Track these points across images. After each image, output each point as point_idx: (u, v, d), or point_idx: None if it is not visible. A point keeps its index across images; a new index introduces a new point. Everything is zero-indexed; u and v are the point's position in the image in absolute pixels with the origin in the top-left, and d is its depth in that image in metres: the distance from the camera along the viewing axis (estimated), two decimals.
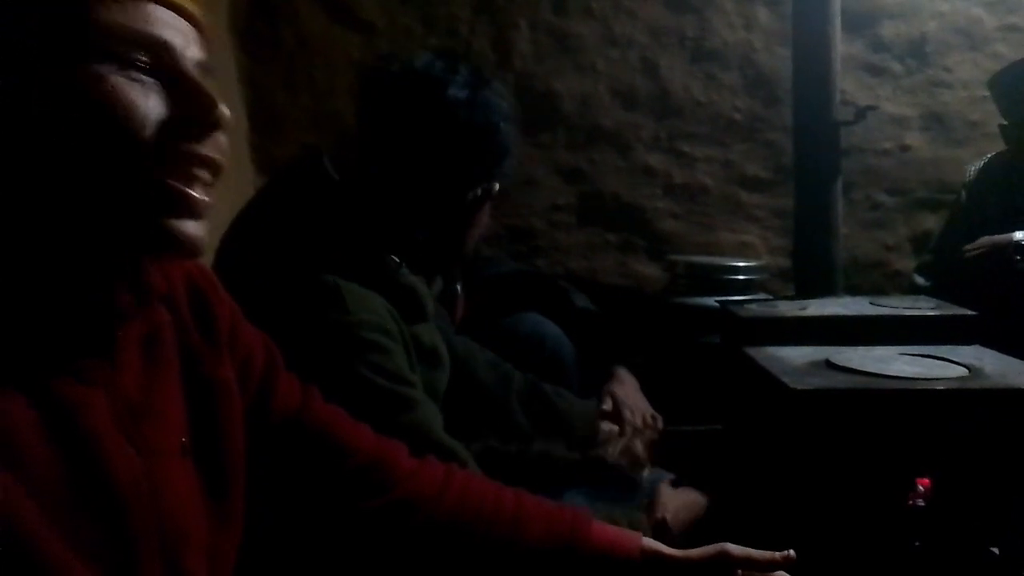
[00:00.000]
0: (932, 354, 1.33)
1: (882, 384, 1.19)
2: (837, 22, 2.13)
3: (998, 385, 1.20)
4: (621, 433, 1.55)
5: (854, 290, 2.46)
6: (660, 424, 1.61)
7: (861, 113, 2.19)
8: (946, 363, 1.28)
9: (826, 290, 2.06)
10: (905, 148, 2.89)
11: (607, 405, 1.61)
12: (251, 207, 1.24)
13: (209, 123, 0.60)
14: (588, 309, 2.35)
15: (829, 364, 1.27)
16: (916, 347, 1.37)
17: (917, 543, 1.26)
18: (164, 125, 0.58)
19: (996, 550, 1.31)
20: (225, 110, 0.60)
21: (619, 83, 2.88)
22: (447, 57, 1.22)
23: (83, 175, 0.56)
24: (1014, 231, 1.99)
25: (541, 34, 2.90)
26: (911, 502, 1.30)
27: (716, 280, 2.45)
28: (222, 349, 0.77)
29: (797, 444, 1.20)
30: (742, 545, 0.94)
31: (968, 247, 2.06)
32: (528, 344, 1.64)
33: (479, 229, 1.30)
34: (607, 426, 1.58)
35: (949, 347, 1.38)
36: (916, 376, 1.21)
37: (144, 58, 0.58)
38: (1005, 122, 2.18)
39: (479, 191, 1.25)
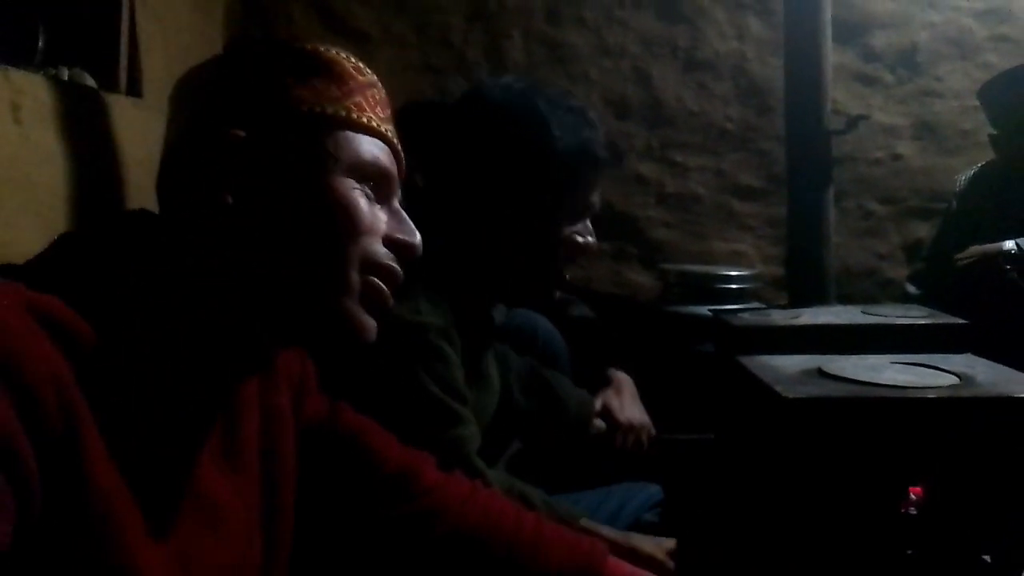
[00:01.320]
0: (924, 363, 1.33)
1: (874, 392, 1.19)
2: (828, 32, 2.15)
3: (989, 394, 1.21)
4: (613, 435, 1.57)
5: (846, 299, 2.47)
6: (652, 432, 1.61)
7: (853, 122, 2.20)
8: (937, 372, 1.28)
9: (819, 299, 2.06)
10: (897, 157, 2.90)
11: (599, 406, 1.62)
12: None
13: (407, 249, 0.72)
14: (585, 317, 2.35)
15: (821, 373, 1.27)
16: (908, 356, 1.38)
17: (909, 551, 1.26)
18: (380, 238, 0.70)
19: (988, 558, 1.31)
20: (419, 242, 0.73)
21: (611, 92, 2.89)
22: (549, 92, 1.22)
23: (313, 257, 0.66)
24: (1004, 240, 2.00)
25: (534, 43, 2.91)
26: (903, 510, 1.31)
27: (709, 289, 2.46)
28: (279, 374, 0.82)
29: (790, 452, 1.20)
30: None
31: (959, 256, 2.07)
32: (520, 337, 1.64)
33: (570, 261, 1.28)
34: (598, 421, 1.59)
35: (941, 356, 1.38)
36: (908, 385, 1.22)
37: (372, 185, 0.71)
38: (995, 132, 2.19)
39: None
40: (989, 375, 1.29)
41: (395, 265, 0.71)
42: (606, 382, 1.69)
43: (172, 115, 0.72)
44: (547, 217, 1.19)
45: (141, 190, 1.77)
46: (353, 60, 0.73)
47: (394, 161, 0.74)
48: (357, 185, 0.69)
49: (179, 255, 0.65)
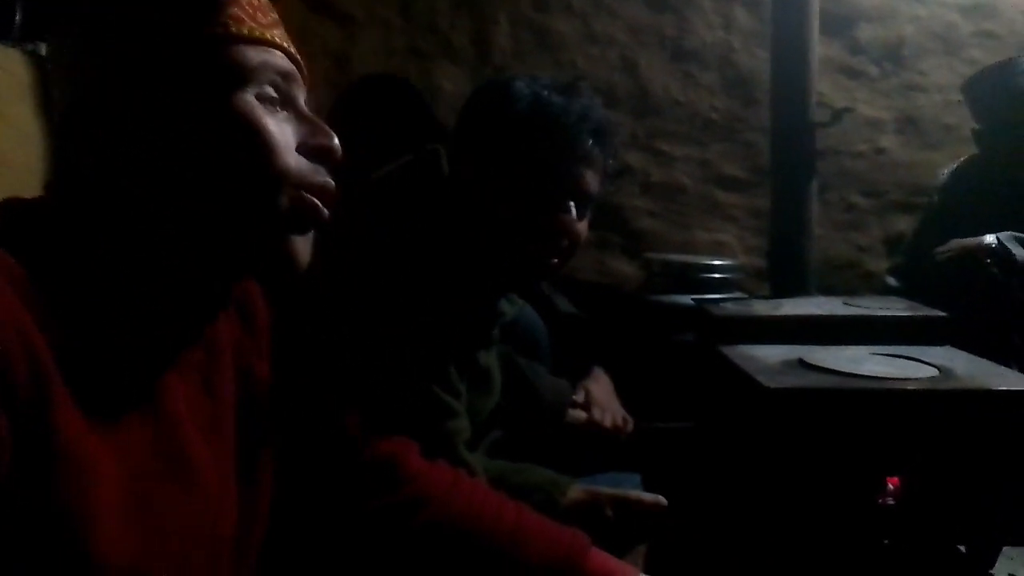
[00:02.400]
0: (904, 354, 1.34)
1: (854, 384, 1.19)
2: (815, 24, 2.15)
3: (968, 386, 1.22)
4: (590, 425, 1.56)
5: (828, 290, 2.48)
6: (630, 427, 1.61)
7: (837, 115, 2.21)
8: (917, 363, 1.29)
9: (800, 290, 2.08)
10: (880, 150, 2.91)
11: (580, 397, 1.61)
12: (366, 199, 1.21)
13: (327, 153, 0.69)
14: (571, 313, 2.35)
15: (802, 363, 1.27)
16: (888, 347, 1.38)
17: (886, 541, 1.27)
18: (295, 151, 0.67)
19: (963, 548, 1.32)
20: (337, 143, 0.69)
21: (598, 81, 2.88)
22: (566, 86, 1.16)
23: (231, 187, 0.64)
24: (985, 235, 2.01)
25: (521, 30, 2.89)
26: (881, 500, 1.31)
27: (692, 279, 2.46)
28: (261, 342, 0.80)
29: (770, 442, 1.21)
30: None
31: (939, 249, 2.08)
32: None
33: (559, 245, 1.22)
34: (575, 412, 1.58)
35: (920, 347, 1.39)
36: (888, 376, 1.22)
37: (275, 94, 0.67)
38: (978, 127, 2.20)
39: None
40: (968, 368, 1.30)
41: (320, 177, 0.68)
42: (586, 373, 1.69)
43: (56, 76, 0.67)
44: (518, 191, 1.12)
45: None
46: None
47: (291, 64, 0.70)
48: (255, 100, 0.65)
49: (101, 211, 0.63)
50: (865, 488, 1.24)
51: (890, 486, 1.34)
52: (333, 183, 0.69)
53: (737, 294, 2.41)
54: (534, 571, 0.89)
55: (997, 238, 1.98)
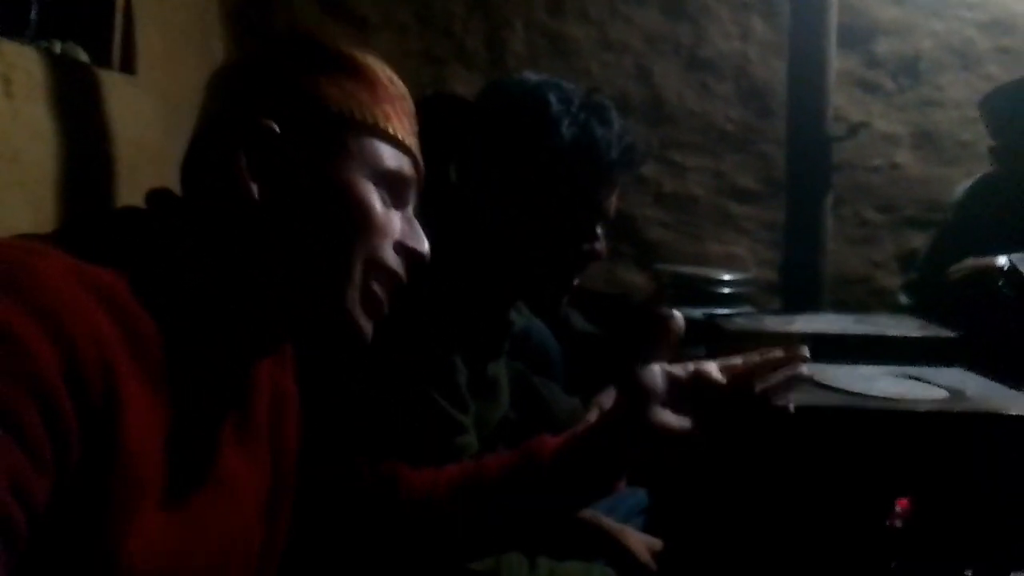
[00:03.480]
0: (915, 375, 1.33)
1: (866, 403, 1.19)
2: (833, 36, 2.14)
3: (979, 409, 1.21)
4: None
5: (839, 305, 2.47)
6: None
7: (853, 129, 2.20)
8: (929, 385, 1.28)
9: (812, 305, 2.06)
10: (895, 166, 2.90)
11: (593, 416, 1.60)
12: None
13: (416, 253, 0.74)
14: (586, 331, 2.34)
15: (814, 381, 1.26)
16: (900, 367, 1.38)
17: (894, 563, 1.26)
18: (391, 242, 0.72)
19: (970, 572, 1.31)
20: (428, 252, 0.75)
21: (612, 88, 2.87)
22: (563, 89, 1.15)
23: (330, 257, 0.69)
24: (1000, 254, 1.99)
25: (536, 35, 2.89)
26: (890, 522, 1.30)
27: (703, 291, 2.45)
28: (286, 358, 0.83)
29: (780, 460, 1.20)
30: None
31: (952, 268, 2.07)
32: (514, 338, 1.63)
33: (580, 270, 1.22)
34: None
35: (933, 369, 1.38)
36: (899, 397, 1.22)
37: (395, 193, 0.73)
38: (995, 143, 2.18)
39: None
40: (979, 390, 1.29)
41: (400, 270, 0.73)
42: (600, 391, 1.68)
43: (205, 103, 0.72)
44: (553, 218, 1.12)
45: (132, 168, 1.75)
46: (387, 71, 0.75)
47: (414, 172, 0.75)
48: (375, 188, 0.70)
49: (201, 241, 0.67)
50: (874, 509, 1.23)
51: (899, 507, 1.33)
52: (405, 278, 0.75)
53: (748, 308, 2.40)
54: (500, 479, 0.90)
55: (1009, 259, 1.97)
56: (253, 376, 0.75)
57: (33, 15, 1.57)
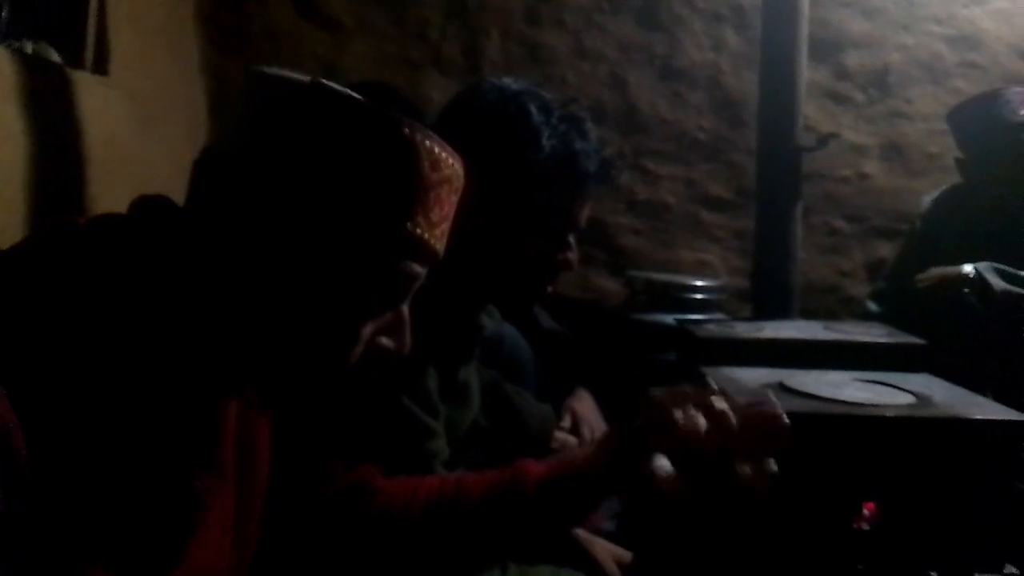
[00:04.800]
0: (883, 381, 1.35)
1: (835, 409, 1.20)
2: (804, 48, 2.17)
3: (945, 414, 1.23)
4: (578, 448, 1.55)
5: (809, 313, 2.49)
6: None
7: (823, 140, 2.22)
8: (896, 390, 1.30)
9: (782, 312, 2.08)
10: (864, 176, 2.94)
11: (566, 422, 1.61)
12: None
13: (394, 354, 0.71)
14: (553, 330, 2.35)
15: (783, 387, 1.28)
16: (868, 373, 1.39)
17: (860, 566, 1.28)
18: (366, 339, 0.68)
19: (935, 574, 1.33)
20: (407, 350, 0.72)
21: (587, 96, 2.88)
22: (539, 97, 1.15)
23: (307, 346, 0.66)
24: (965, 263, 2.03)
25: (512, 43, 2.90)
26: (856, 525, 1.32)
27: (674, 298, 2.47)
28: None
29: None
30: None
31: (919, 277, 2.10)
32: (486, 345, 1.63)
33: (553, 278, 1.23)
34: (562, 435, 1.58)
35: (900, 375, 1.40)
36: (867, 402, 1.23)
37: (400, 294, 0.70)
38: (962, 156, 2.22)
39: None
40: (945, 396, 1.31)
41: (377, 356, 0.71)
42: (570, 394, 1.69)
43: (266, 120, 0.65)
44: (528, 228, 1.13)
45: (104, 169, 1.73)
46: (435, 150, 0.67)
47: (430, 264, 0.71)
48: (376, 305, 0.68)
49: (208, 265, 0.64)
50: (841, 512, 1.24)
51: (866, 511, 1.35)
52: (399, 352, 0.72)
53: (719, 315, 2.42)
54: (481, 502, 0.89)
55: (975, 268, 2.00)
56: (218, 400, 0.73)
57: (4, 15, 1.56)
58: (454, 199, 0.70)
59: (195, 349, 0.65)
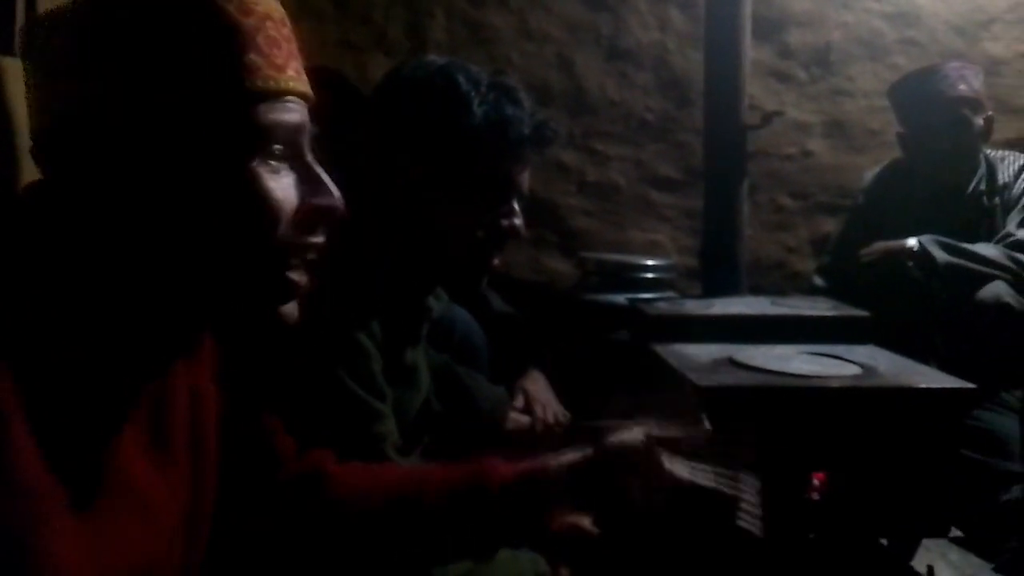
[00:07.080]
0: (829, 353, 1.37)
1: (782, 381, 1.22)
2: (748, 27, 2.18)
3: (890, 384, 1.25)
4: (532, 428, 1.55)
5: (757, 290, 2.52)
6: (568, 421, 1.61)
7: (768, 118, 2.25)
8: (842, 362, 1.32)
9: (731, 289, 2.11)
10: (807, 153, 2.98)
11: (519, 402, 1.60)
12: None
13: (328, 210, 0.66)
14: (505, 312, 2.34)
15: (733, 362, 1.29)
16: (814, 346, 1.41)
17: (812, 535, 1.30)
18: (294, 215, 0.64)
19: (885, 541, 1.36)
20: (340, 200, 0.67)
21: (533, 78, 2.87)
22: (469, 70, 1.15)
23: (228, 252, 0.62)
24: (908, 237, 2.07)
25: (456, 23, 2.88)
26: (807, 495, 1.34)
27: (626, 278, 2.48)
28: (206, 359, 0.78)
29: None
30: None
31: (863, 251, 2.14)
32: (438, 330, 1.62)
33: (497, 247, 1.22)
34: (516, 416, 1.58)
35: (845, 346, 1.42)
36: (814, 374, 1.25)
37: (282, 152, 0.64)
38: (902, 130, 2.26)
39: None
40: (890, 366, 1.33)
41: (311, 240, 0.66)
42: (521, 374, 1.68)
43: (64, 69, 0.62)
44: (469, 197, 1.14)
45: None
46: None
47: (301, 113, 0.65)
48: (261, 167, 0.62)
49: (90, 231, 0.61)
50: (792, 483, 1.26)
51: (816, 481, 1.38)
52: (324, 241, 0.68)
53: (670, 293, 2.44)
54: (443, 501, 0.87)
55: (919, 241, 2.04)
56: (167, 381, 0.70)
57: None
58: (287, 31, 0.65)
59: (130, 309, 0.62)
